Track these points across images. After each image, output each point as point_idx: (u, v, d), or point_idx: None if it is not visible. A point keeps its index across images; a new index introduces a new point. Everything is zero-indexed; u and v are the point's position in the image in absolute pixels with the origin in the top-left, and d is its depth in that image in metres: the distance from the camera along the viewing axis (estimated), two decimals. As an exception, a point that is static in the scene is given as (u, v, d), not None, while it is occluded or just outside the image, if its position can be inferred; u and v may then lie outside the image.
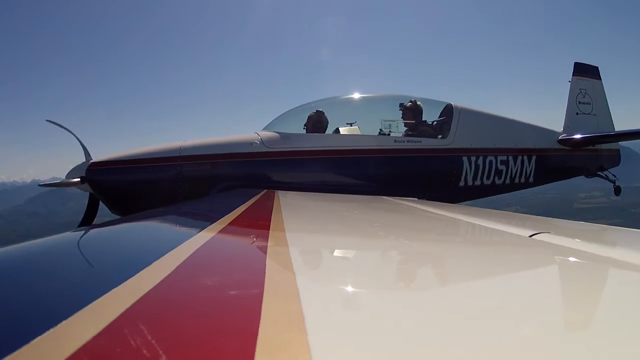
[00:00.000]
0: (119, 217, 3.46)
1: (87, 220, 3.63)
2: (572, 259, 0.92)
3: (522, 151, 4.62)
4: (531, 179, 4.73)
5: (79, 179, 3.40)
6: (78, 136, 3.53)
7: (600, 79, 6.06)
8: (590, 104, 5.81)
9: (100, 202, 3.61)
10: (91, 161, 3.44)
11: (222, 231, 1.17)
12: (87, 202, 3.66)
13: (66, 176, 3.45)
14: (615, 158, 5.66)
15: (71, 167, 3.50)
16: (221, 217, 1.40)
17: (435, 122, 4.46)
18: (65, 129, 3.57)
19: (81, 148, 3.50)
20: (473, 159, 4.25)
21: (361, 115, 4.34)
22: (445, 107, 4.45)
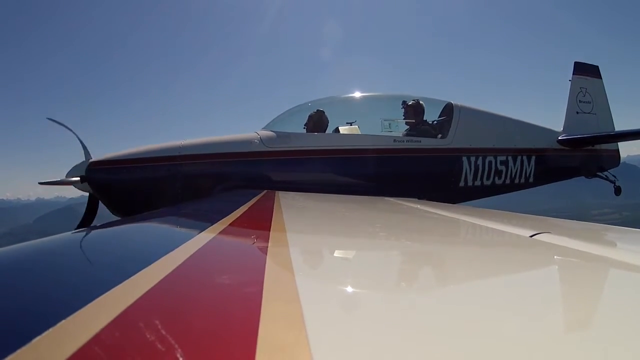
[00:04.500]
0: (119, 217, 3.46)
1: (86, 222, 3.62)
2: (572, 259, 0.92)
3: (522, 151, 4.61)
4: (531, 179, 4.72)
5: (78, 178, 3.39)
6: (80, 135, 3.54)
7: (601, 78, 6.06)
8: (590, 102, 5.81)
9: (101, 204, 3.61)
10: (91, 160, 3.44)
11: (222, 232, 1.17)
12: (86, 202, 3.66)
13: (66, 175, 3.45)
14: (614, 159, 5.65)
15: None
16: (222, 218, 1.40)
17: (435, 122, 4.45)
18: (66, 127, 3.58)
19: (81, 147, 3.51)
20: (473, 159, 4.25)
21: (361, 114, 4.34)
22: (446, 106, 4.45)
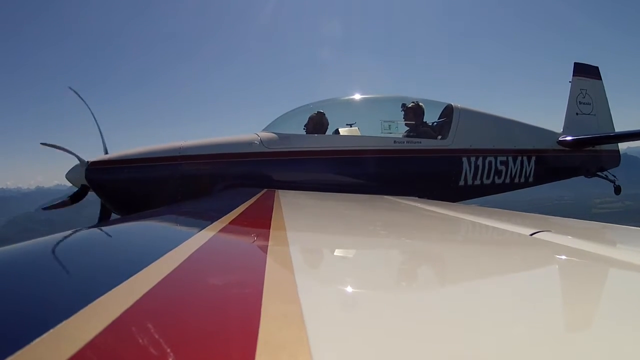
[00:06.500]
0: (118, 217, 3.47)
1: (104, 217, 3.74)
2: (573, 257, 0.92)
3: (522, 152, 4.62)
4: (531, 179, 4.74)
5: (69, 199, 3.53)
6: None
7: (601, 79, 6.06)
8: (590, 104, 5.81)
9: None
10: (91, 160, 3.44)
11: (222, 230, 1.17)
12: (100, 203, 3.73)
13: (65, 176, 3.47)
14: (615, 159, 5.66)
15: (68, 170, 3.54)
16: (222, 216, 1.40)
17: (435, 123, 4.46)
18: (61, 148, 3.55)
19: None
20: (473, 159, 4.26)
21: (361, 116, 4.34)
22: (446, 107, 4.45)
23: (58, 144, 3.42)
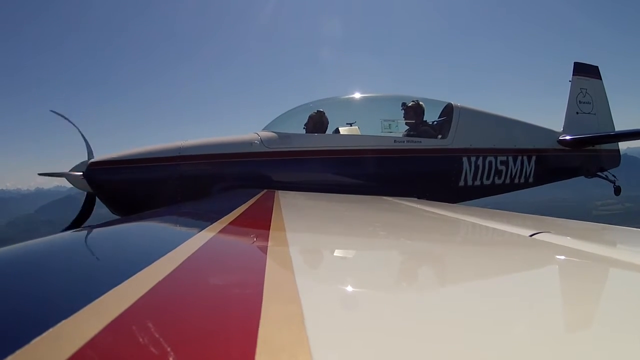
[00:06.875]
0: (119, 217, 3.46)
1: (79, 221, 3.63)
2: (572, 258, 0.92)
3: (522, 151, 4.62)
4: (531, 179, 4.73)
5: (81, 174, 3.40)
6: (79, 134, 3.57)
7: (601, 79, 6.06)
8: (590, 103, 5.81)
9: (103, 205, 3.62)
10: (90, 160, 3.44)
11: (222, 231, 1.17)
12: (84, 201, 3.68)
13: (69, 171, 3.47)
14: (615, 159, 5.66)
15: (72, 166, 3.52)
16: (221, 217, 1.40)
17: (435, 122, 4.45)
18: (59, 174, 3.59)
19: (84, 145, 3.54)
20: (473, 159, 4.25)
21: (361, 115, 4.33)
22: (446, 106, 4.45)
23: (58, 162, 3.42)
